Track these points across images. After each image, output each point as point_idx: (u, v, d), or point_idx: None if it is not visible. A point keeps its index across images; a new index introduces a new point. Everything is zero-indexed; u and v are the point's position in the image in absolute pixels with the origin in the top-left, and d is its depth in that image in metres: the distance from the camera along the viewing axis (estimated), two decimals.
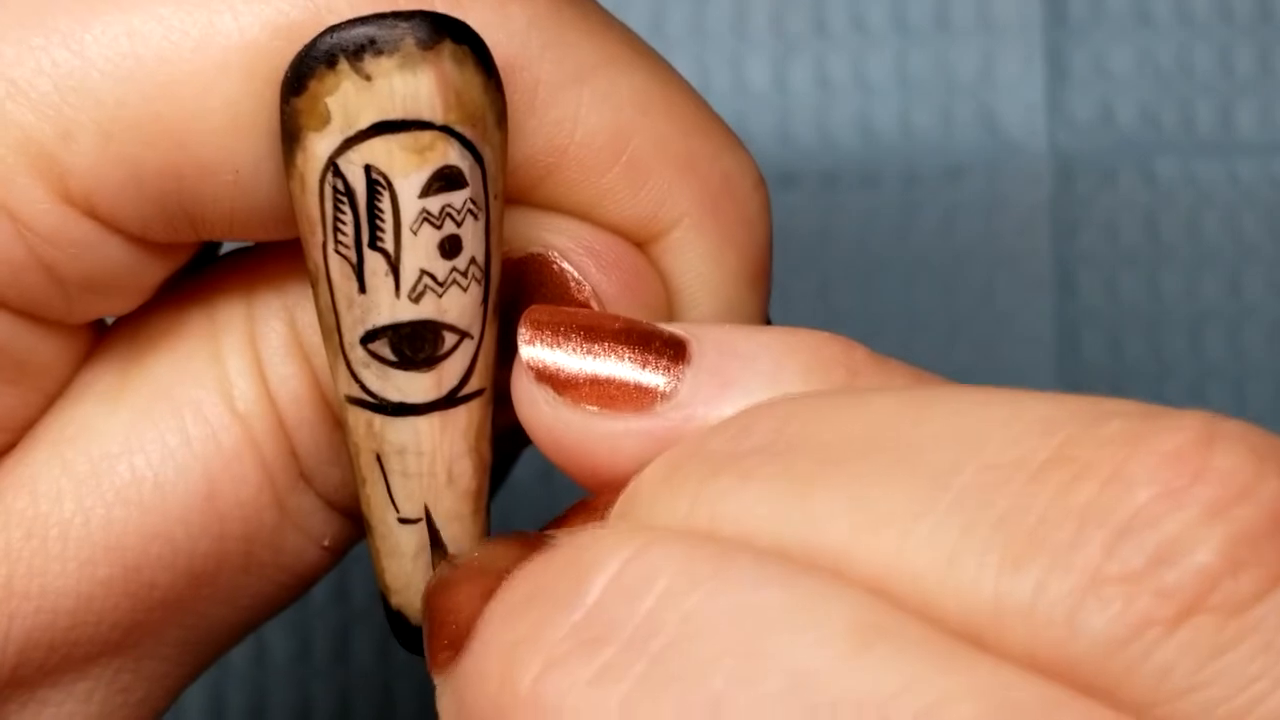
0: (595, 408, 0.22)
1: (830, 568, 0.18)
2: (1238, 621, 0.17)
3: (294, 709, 0.42)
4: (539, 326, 0.22)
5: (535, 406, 0.22)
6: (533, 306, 0.23)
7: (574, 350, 0.22)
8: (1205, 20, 0.44)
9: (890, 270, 0.44)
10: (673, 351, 0.22)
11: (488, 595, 0.20)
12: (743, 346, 0.22)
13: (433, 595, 0.21)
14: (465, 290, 0.22)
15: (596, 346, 0.22)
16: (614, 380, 0.22)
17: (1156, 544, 0.17)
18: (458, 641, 0.20)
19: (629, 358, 0.22)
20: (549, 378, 0.22)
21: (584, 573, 0.19)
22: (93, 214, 0.22)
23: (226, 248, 0.25)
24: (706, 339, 0.22)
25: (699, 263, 0.24)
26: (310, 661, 0.42)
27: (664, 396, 0.21)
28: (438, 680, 0.20)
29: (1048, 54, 0.44)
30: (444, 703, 0.20)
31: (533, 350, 0.22)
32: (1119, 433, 0.18)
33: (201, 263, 0.25)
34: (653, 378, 0.22)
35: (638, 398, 0.22)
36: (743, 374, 0.21)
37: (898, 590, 0.18)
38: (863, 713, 0.17)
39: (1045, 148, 0.44)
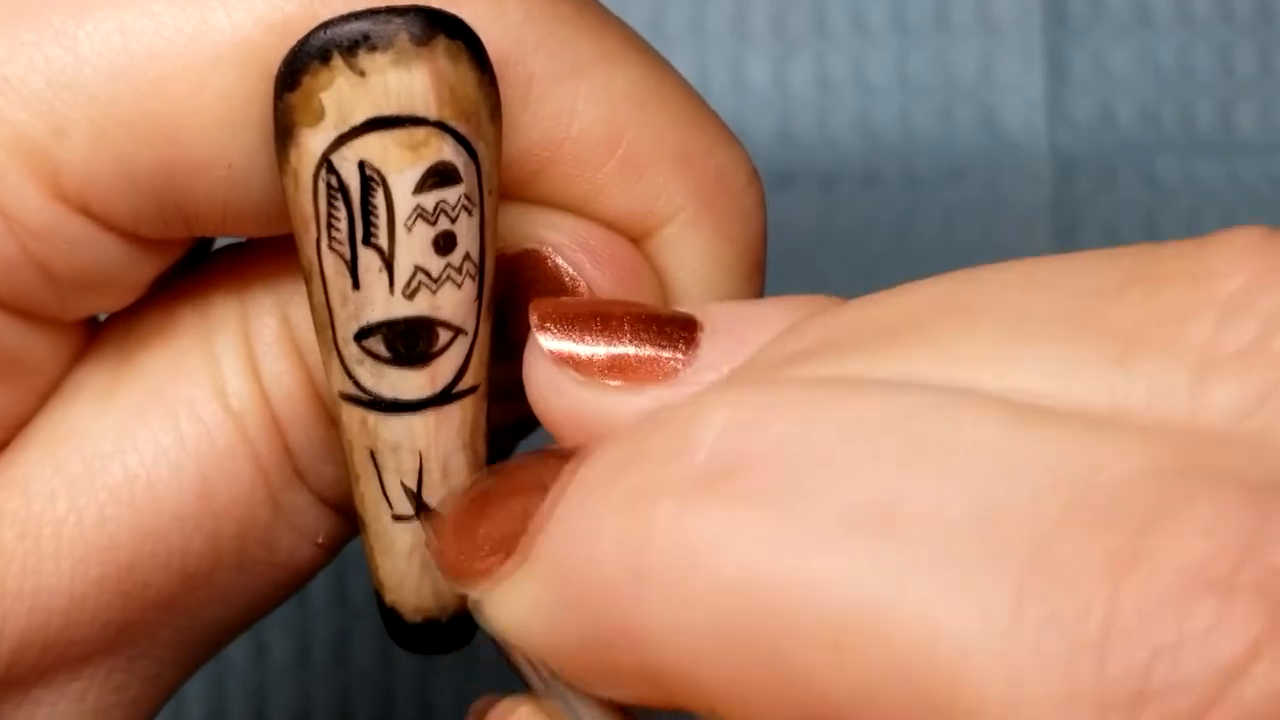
0: (618, 383, 0.22)
1: None
2: None
3: (294, 711, 0.42)
4: (551, 315, 0.22)
5: (558, 391, 0.22)
6: (539, 298, 0.22)
7: (591, 334, 0.22)
8: (1205, 20, 0.44)
9: (890, 270, 0.43)
10: (683, 324, 0.22)
11: (542, 492, 0.19)
12: (751, 311, 0.22)
13: (468, 511, 0.20)
14: (460, 286, 0.22)
15: (612, 325, 0.22)
16: (634, 355, 0.21)
17: (1261, 318, 0.17)
18: (509, 540, 0.19)
19: (645, 335, 0.22)
20: (569, 360, 0.22)
21: (689, 423, 0.18)
22: (85, 210, 0.22)
23: (220, 244, 0.25)
24: (713, 310, 0.22)
25: (694, 258, 0.24)
26: (310, 663, 0.42)
27: (685, 362, 0.21)
28: (484, 588, 0.20)
29: (1048, 54, 0.44)
30: (518, 599, 0.20)
31: (550, 338, 0.22)
32: (1182, 251, 0.18)
33: (195, 260, 0.25)
34: (671, 351, 0.21)
35: (660, 366, 0.21)
36: (758, 332, 0.21)
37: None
38: (1041, 473, 0.17)
39: (1045, 148, 0.44)
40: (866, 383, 0.18)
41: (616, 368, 0.21)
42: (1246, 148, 0.44)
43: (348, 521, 0.25)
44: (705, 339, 0.21)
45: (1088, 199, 0.44)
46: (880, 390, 0.18)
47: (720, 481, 0.18)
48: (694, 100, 0.24)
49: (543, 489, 0.20)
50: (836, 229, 0.44)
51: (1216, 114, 0.44)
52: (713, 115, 0.24)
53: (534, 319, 0.22)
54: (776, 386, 0.18)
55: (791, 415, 0.18)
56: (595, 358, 0.22)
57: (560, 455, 0.20)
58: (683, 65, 0.25)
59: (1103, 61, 0.44)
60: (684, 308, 0.22)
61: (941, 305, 0.19)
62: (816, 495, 0.17)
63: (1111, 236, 0.43)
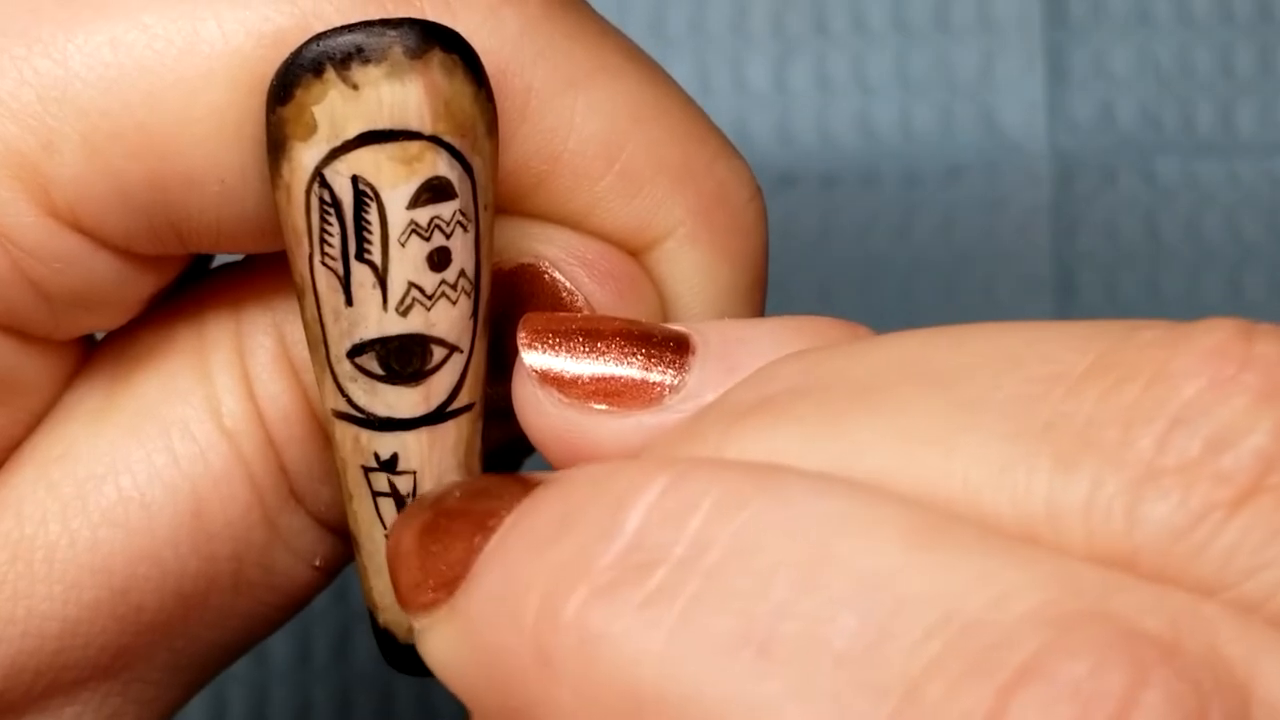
0: (604, 406, 0.21)
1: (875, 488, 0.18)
2: None
3: (294, 710, 0.42)
4: (538, 332, 0.22)
5: (541, 411, 0.22)
6: (530, 313, 0.22)
7: (577, 353, 0.22)
8: (1205, 20, 0.44)
9: (890, 270, 0.43)
10: (675, 345, 0.21)
11: (485, 533, 0.19)
12: (746, 334, 0.21)
13: (421, 536, 0.20)
14: (454, 303, 0.22)
15: (600, 345, 0.22)
16: (620, 378, 0.21)
17: (1210, 431, 0.17)
18: (451, 581, 0.19)
19: (634, 356, 0.21)
20: (553, 380, 0.22)
21: (620, 500, 0.18)
22: (77, 227, 0.22)
23: (217, 262, 0.25)
24: (708, 330, 0.22)
25: (693, 273, 0.24)
26: (310, 663, 0.42)
27: (673, 389, 0.21)
28: (424, 623, 0.20)
29: (1048, 54, 0.44)
30: (444, 643, 0.19)
31: (535, 356, 0.22)
32: (1155, 339, 0.18)
33: (190, 278, 0.24)
34: (659, 374, 0.21)
35: (646, 393, 0.21)
36: (750, 358, 0.21)
37: (948, 503, 0.18)
38: (932, 609, 0.16)
39: (1045, 148, 0.43)
40: (791, 477, 0.18)
41: (601, 391, 0.21)
42: (1246, 148, 0.43)
43: (345, 543, 0.25)
44: (695, 363, 0.21)
45: (1088, 199, 0.43)
46: (800, 490, 0.18)
47: (631, 576, 0.18)
48: (694, 113, 0.24)
49: (487, 531, 0.19)
50: (836, 229, 0.44)
51: (1216, 114, 0.44)
52: (713, 128, 0.24)
53: (521, 335, 0.22)
54: (707, 473, 0.18)
55: (708, 508, 0.18)
56: (580, 379, 0.21)
57: (525, 484, 0.20)
58: (683, 66, 0.24)
59: (1103, 61, 0.44)
60: (679, 325, 0.22)
61: (906, 370, 0.19)
62: (713, 607, 0.17)
63: (1111, 236, 0.43)
